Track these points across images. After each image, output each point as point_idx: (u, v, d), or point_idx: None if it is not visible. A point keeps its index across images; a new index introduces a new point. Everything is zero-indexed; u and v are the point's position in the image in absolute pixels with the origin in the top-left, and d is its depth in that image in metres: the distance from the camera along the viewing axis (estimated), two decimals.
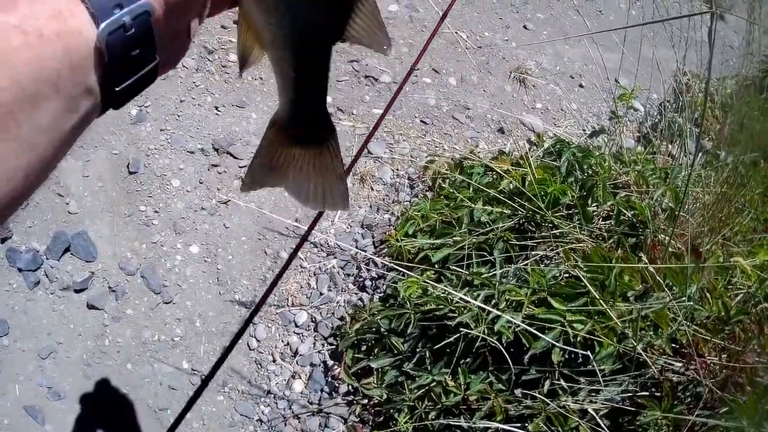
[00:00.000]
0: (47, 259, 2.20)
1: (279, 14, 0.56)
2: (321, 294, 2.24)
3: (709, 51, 1.17)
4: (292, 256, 1.08)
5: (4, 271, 2.15)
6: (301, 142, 0.67)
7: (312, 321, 2.22)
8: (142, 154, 2.33)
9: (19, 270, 2.16)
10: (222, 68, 2.50)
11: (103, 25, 0.39)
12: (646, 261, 1.51)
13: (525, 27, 3.02)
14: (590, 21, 3.20)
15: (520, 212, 2.10)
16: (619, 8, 3.25)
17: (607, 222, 2.01)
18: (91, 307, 2.17)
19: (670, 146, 2.16)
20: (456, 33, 2.85)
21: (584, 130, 2.79)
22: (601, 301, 1.54)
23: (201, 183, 2.33)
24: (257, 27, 0.58)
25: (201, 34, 2.54)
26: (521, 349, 1.71)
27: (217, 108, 2.44)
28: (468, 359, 1.91)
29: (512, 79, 2.80)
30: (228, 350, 1.01)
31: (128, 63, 0.43)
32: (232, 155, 2.36)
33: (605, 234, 1.96)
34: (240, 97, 2.48)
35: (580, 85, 2.94)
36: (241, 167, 2.36)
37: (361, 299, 2.24)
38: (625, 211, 1.83)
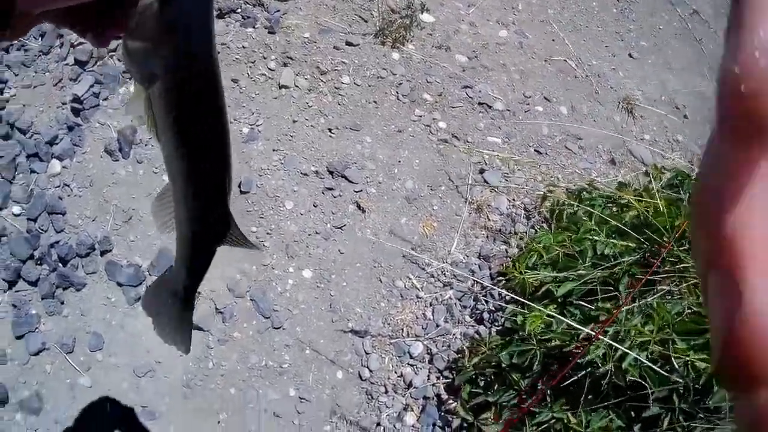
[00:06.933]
0: (150, 275, 2.30)
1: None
2: (437, 325, 2.32)
3: None
4: None
5: (102, 284, 2.24)
6: None
7: (428, 353, 2.29)
8: (254, 173, 2.44)
9: (119, 284, 2.25)
10: (335, 90, 2.61)
11: None
12: None
13: (630, 56, 3.13)
14: (691, 48, 3.31)
15: (645, 246, 2.18)
16: (715, 35, 3.37)
17: None
18: (195, 327, 2.26)
19: None
20: (565, 61, 2.97)
21: (690, 163, 2.88)
22: None
23: (315, 206, 2.42)
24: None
25: (313, 54, 2.67)
26: (641, 385, 1.79)
27: (330, 130, 2.55)
28: (590, 396, 2.00)
29: (621, 109, 2.91)
30: None
31: None
32: (347, 179, 2.46)
33: None
34: (354, 120, 2.59)
35: (685, 116, 3.03)
36: (356, 191, 2.46)
37: (478, 332, 2.31)
38: None
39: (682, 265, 2.04)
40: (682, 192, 2.33)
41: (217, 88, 0.64)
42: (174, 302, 0.88)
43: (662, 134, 2.91)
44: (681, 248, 2.09)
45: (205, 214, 0.74)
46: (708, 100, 2.91)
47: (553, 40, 3.05)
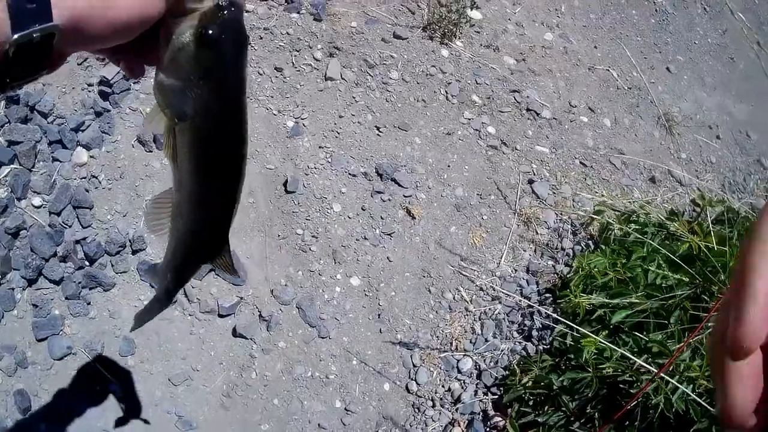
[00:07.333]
0: None
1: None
2: (486, 340, 2.24)
3: None
4: None
5: (134, 285, 2.07)
6: None
7: (476, 368, 2.21)
8: (300, 172, 2.28)
9: (152, 286, 2.08)
10: (383, 85, 2.46)
11: (16, 36, 0.48)
12: None
13: (668, 69, 3.09)
14: (723, 67, 3.30)
15: (698, 281, 2.16)
16: (747, 56, 3.37)
17: None
18: (237, 335, 2.10)
19: None
20: (608, 70, 2.91)
21: (722, 187, 2.88)
22: None
23: (363, 210, 2.29)
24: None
25: (361, 45, 2.51)
26: (683, 415, 1.83)
27: (378, 128, 2.40)
28: (635, 423, 2.00)
29: (660, 126, 2.87)
30: None
31: (19, 67, 0.52)
32: (396, 182, 2.33)
33: None
34: (402, 119, 2.45)
35: (717, 137, 3.02)
36: (406, 196, 2.33)
37: (525, 349, 2.24)
38: None
39: None
40: (734, 230, 2.32)
41: (242, 126, 0.65)
42: (158, 291, 0.94)
43: (697, 154, 2.90)
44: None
45: (205, 234, 0.75)
46: (738, 122, 2.91)
47: (596, 47, 2.97)
